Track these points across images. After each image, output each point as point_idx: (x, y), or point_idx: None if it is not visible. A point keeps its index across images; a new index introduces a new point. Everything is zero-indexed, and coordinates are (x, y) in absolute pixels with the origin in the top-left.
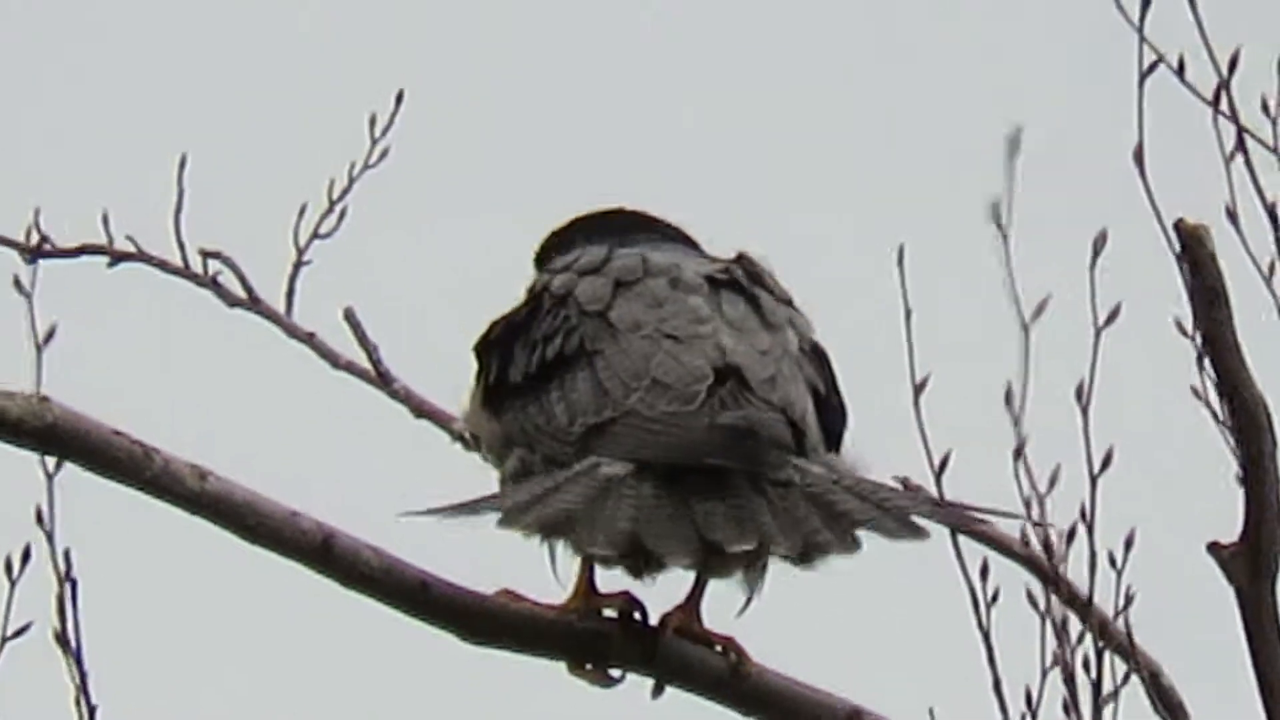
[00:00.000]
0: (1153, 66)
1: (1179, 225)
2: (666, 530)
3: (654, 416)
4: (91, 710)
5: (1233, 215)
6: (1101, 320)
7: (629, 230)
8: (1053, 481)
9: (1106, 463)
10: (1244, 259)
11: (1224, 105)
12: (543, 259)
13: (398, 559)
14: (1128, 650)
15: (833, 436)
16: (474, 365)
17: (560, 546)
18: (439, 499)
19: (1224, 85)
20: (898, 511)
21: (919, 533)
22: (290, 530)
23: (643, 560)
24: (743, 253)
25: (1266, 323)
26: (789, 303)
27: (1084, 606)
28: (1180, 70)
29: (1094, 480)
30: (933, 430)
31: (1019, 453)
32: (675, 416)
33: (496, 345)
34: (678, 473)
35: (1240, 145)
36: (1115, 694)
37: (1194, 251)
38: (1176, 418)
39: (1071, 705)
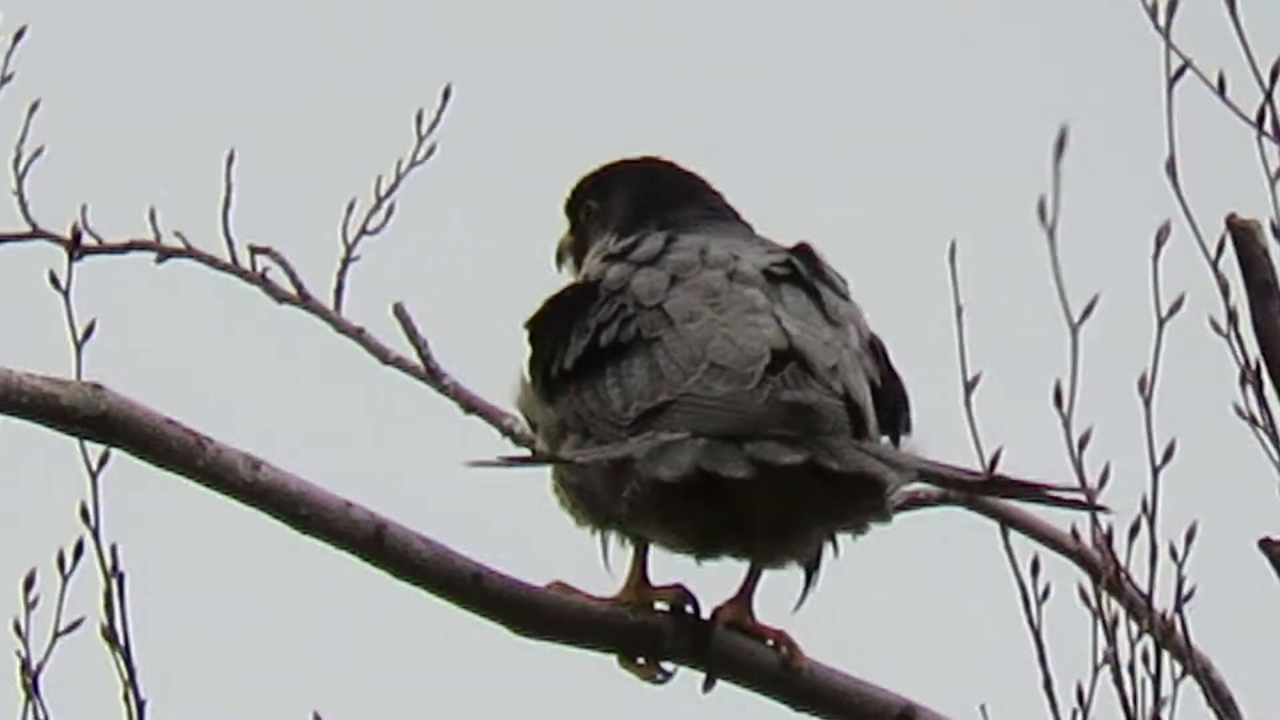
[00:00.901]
0: (1180, 72)
1: (1230, 220)
2: (722, 455)
3: (711, 397)
4: (140, 705)
5: (1277, 231)
6: (1165, 311)
7: (675, 199)
8: (1104, 479)
9: (1169, 455)
10: None
11: (1268, 124)
12: (575, 207)
13: (450, 550)
14: (1182, 647)
15: (892, 430)
16: (526, 345)
17: (613, 535)
18: (488, 494)
19: (1268, 100)
20: (951, 470)
21: (972, 484)
22: (343, 521)
23: (705, 529)
24: (803, 243)
25: None
26: (846, 296)
27: (1135, 602)
28: (1221, 87)
29: (1155, 472)
30: (984, 427)
31: (1083, 444)
32: (732, 395)
33: (550, 331)
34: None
35: None
36: (1174, 693)
37: (1245, 246)
38: (1226, 415)
39: (1122, 704)
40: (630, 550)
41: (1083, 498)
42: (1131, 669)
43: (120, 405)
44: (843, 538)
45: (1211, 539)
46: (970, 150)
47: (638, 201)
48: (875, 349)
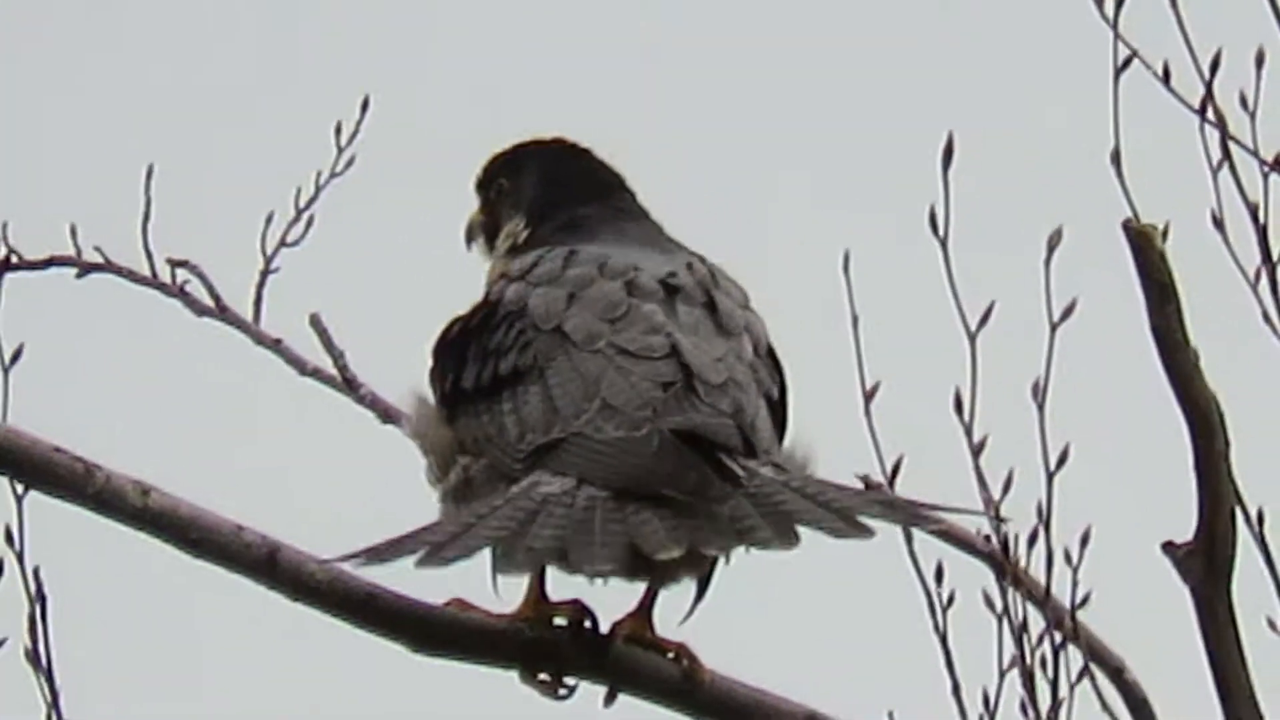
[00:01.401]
0: (1126, 63)
1: (1127, 226)
2: (591, 542)
3: (602, 440)
4: None
5: (1218, 222)
6: (1057, 317)
7: (585, 194)
8: (1007, 485)
9: (1063, 460)
10: (1230, 266)
11: (1210, 114)
12: (486, 185)
13: (344, 570)
14: (1090, 646)
15: (781, 436)
16: (429, 367)
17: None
18: (404, 504)
19: (1209, 92)
20: (844, 511)
21: (864, 531)
22: (235, 545)
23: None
24: (701, 256)
25: (1254, 328)
26: (745, 305)
27: (1041, 603)
28: (1166, 77)
29: (1050, 477)
30: (885, 435)
31: (978, 451)
32: (623, 442)
33: (453, 351)
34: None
35: (1226, 154)
36: (1071, 690)
37: (1143, 251)
38: (1137, 418)
39: (1030, 705)
40: None
41: (981, 520)
42: (1033, 677)
43: (5, 435)
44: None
45: (1127, 542)
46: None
47: (548, 187)
48: (772, 358)
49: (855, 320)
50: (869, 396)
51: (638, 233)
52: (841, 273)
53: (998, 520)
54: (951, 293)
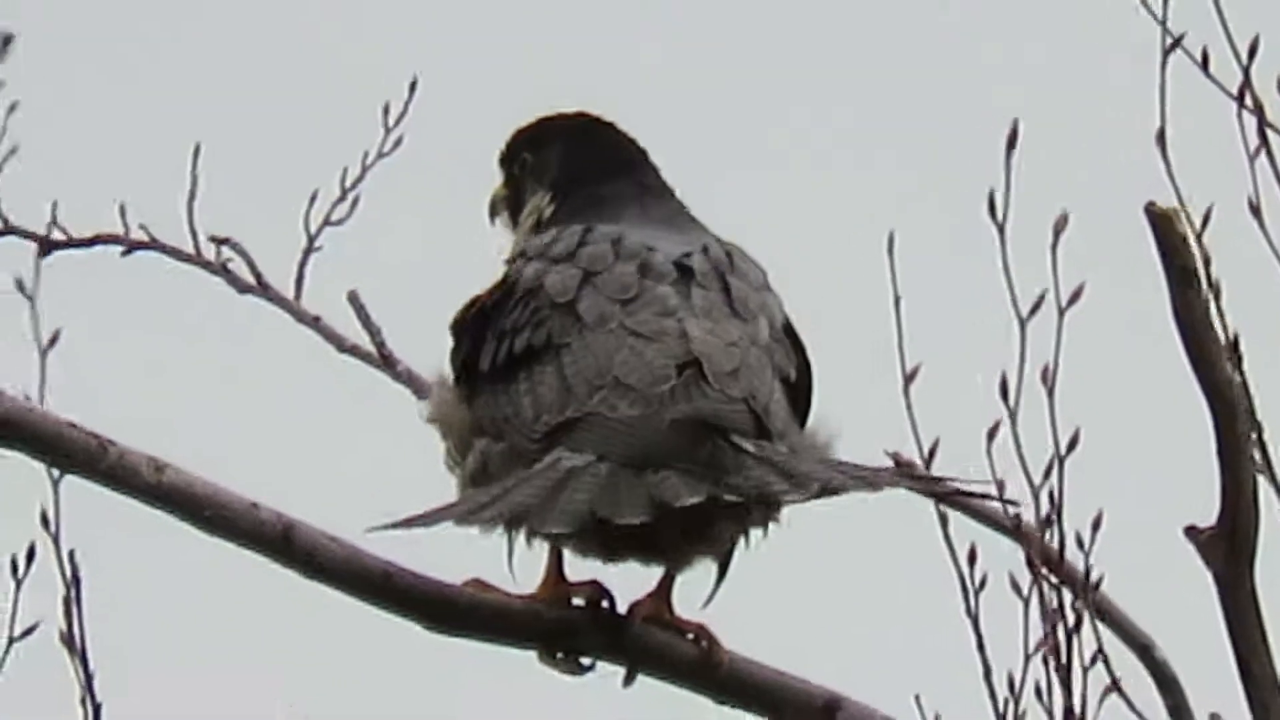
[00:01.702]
0: (1173, 46)
1: (1149, 209)
2: (618, 498)
3: (616, 418)
4: (97, 709)
5: (1255, 209)
6: (1065, 301)
7: (608, 171)
8: (1049, 471)
9: (1073, 445)
10: (1268, 254)
11: (1249, 100)
12: (509, 160)
13: (359, 549)
14: (1118, 624)
15: (803, 418)
16: (450, 346)
17: (522, 539)
18: (438, 480)
19: (1247, 78)
20: (856, 473)
21: (875, 485)
22: (249, 521)
23: (609, 543)
24: (718, 237)
25: None
26: (764, 285)
27: (1058, 586)
28: (1204, 63)
29: (1060, 461)
30: (924, 419)
31: (991, 435)
32: (637, 419)
33: (470, 332)
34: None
35: (1263, 140)
36: (1085, 671)
37: (1165, 234)
38: (1163, 402)
39: (1060, 685)
40: (546, 548)
41: (991, 491)
42: (1061, 659)
43: (18, 410)
44: (756, 532)
45: (1156, 526)
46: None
47: (572, 162)
48: (791, 338)
49: (898, 302)
50: (909, 379)
51: (659, 211)
52: (886, 254)
53: (1002, 501)
54: (1006, 278)
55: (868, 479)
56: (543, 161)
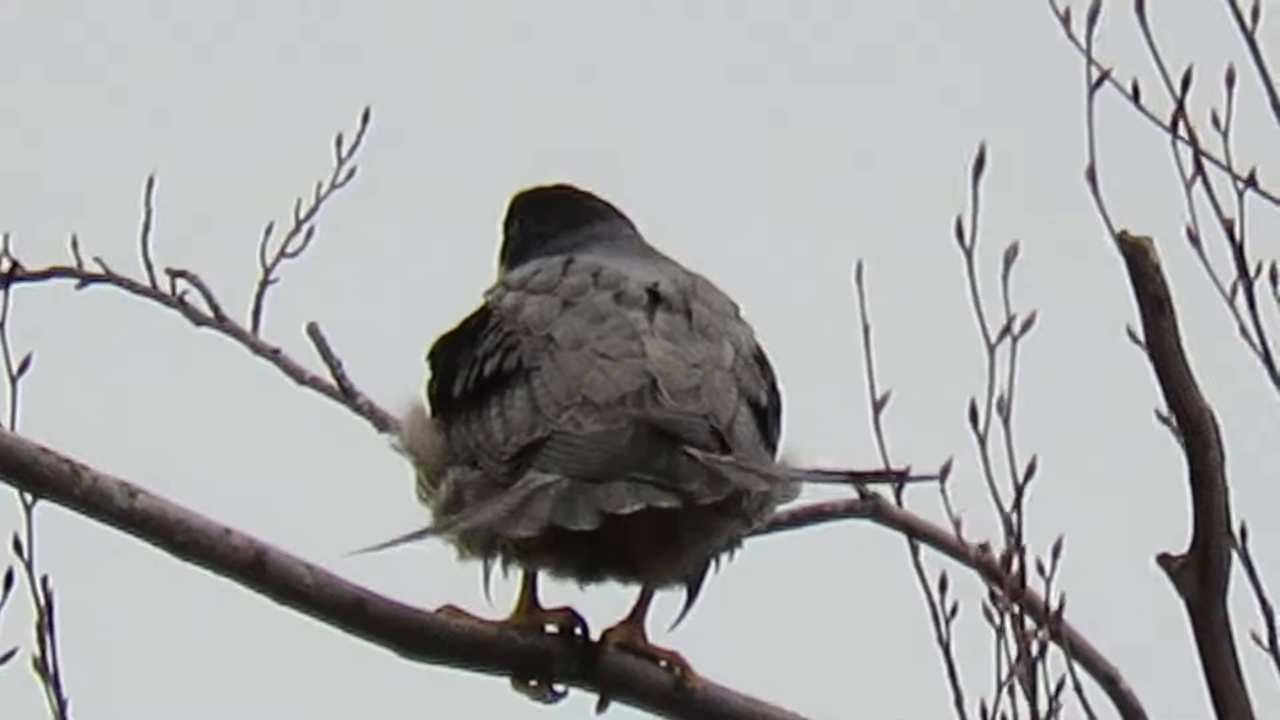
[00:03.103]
0: (1099, 82)
1: (1122, 238)
2: (573, 509)
3: (581, 435)
4: None
5: (1194, 237)
6: (1018, 329)
7: (580, 217)
8: (1018, 499)
9: (1030, 473)
10: (1207, 281)
11: (1181, 129)
12: (510, 223)
13: (333, 575)
14: (1083, 655)
15: (773, 446)
16: (426, 375)
17: (498, 565)
18: (402, 509)
19: (1180, 109)
20: (764, 471)
21: (780, 483)
22: (222, 547)
23: (584, 561)
24: (686, 271)
25: (1231, 343)
26: (733, 314)
27: (1020, 615)
28: (1135, 95)
29: (1019, 490)
30: (895, 446)
31: (945, 472)
32: (599, 435)
33: (445, 359)
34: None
35: (1199, 169)
36: (1053, 700)
37: (1138, 263)
38: (1136, 429)
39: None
40: (520, 574)
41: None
42: (1035, 688)
43: None
44: (723, 556)
45: (1128, 554)
46: (884, 165)
47: (544, 217)
48: (760, 364)
49: (866, 330)
50: (878, 406)
51: (628, 246)
52: (854, 282)
53: (896, 482)
54: (974, 303)
55: (772, 475)
56: (521, 226)
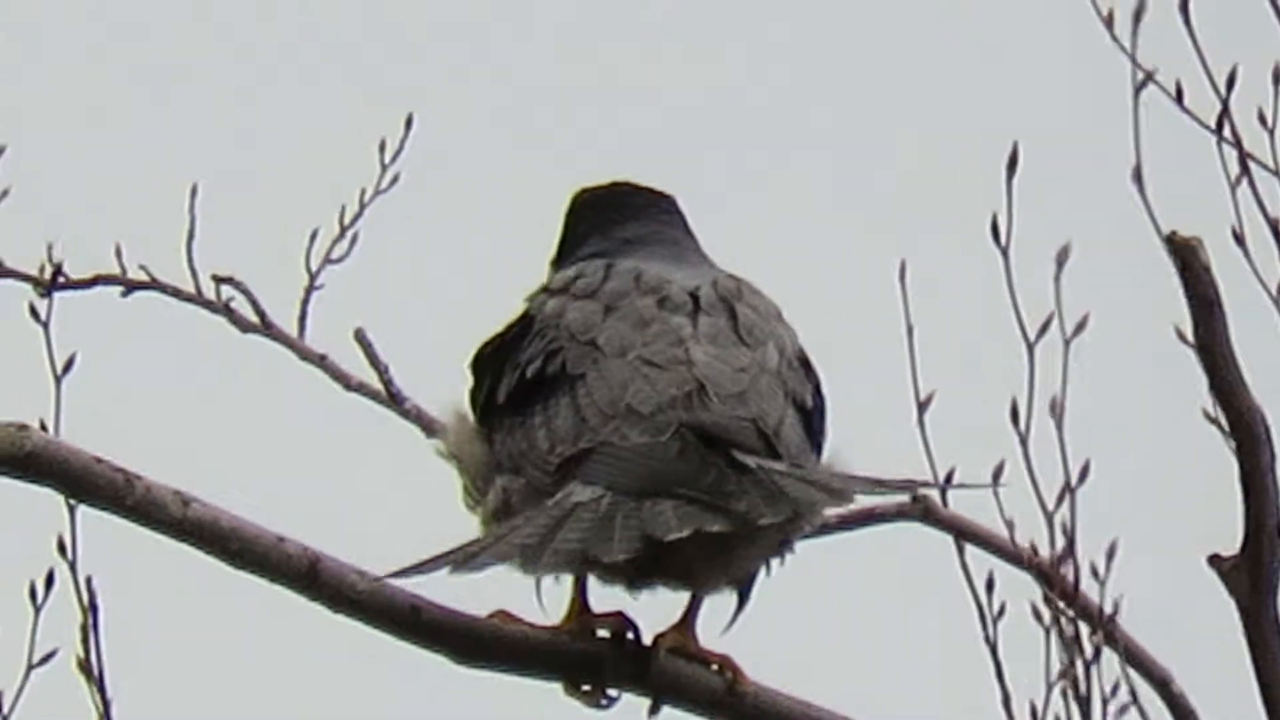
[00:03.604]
0: (1144, 83)
1: (1172, 238)
2: (610, 535)
3: (627, 446)
4: None
5: (1239, 238)
6: (1070, 332)
7: (626, 214)
8: (1061, 495)
9: (1084, 475)
10: (1251, 281)
11: (1226, 130)
12: (564, 223)
13: (386, 583)
14: (1136, 657)
15: (819, 447)
16: (468, 382)
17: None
18: (447, 517)
19: (1225, 109)
20: (827, 485)
21: (842, 497)
22: (276, 555)
23: (633, 568)
24: (729, 274)
25: (1278, 343)
26: (777, 317)
27: (1074, 618)
28: (1179, 96)
29: (1072, 491)
30: (940, 447)
31: (997, 474)
32: (646, 447)
33: (488, 366)
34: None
35: (1244, 170)
36: (1105, 702)
37: (1188, 264)
38: (1189, 430)
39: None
40: (570, 580)
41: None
42: (1082, 690)
43: (45, 445)
44: (774, 561)
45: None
46: (924, 166)
47: (590, 217)
48: (805, 367)
49: (910, 330)
50: (923, 406)
51: (671, 250)
52: (898, 282)
53: (942, 490)
54: (1012, 303)
55: (832, 488)
56: (565, 226)
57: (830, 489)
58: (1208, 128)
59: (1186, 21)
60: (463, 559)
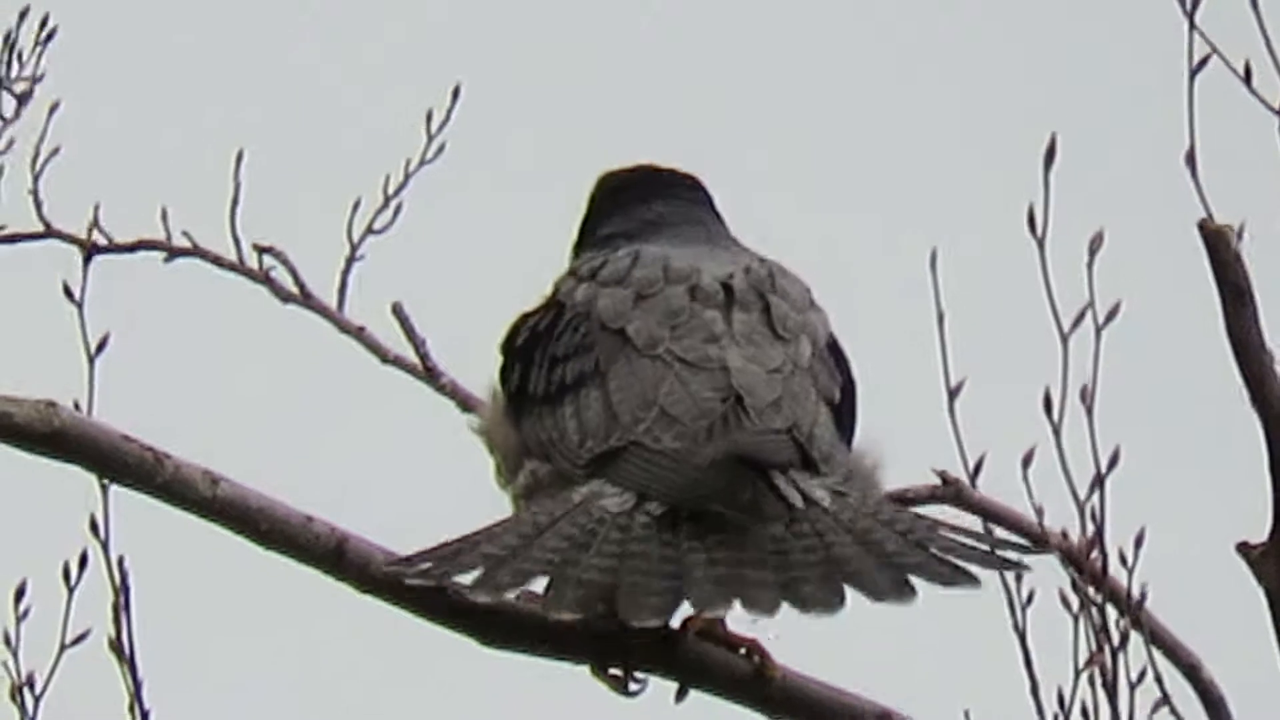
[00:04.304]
0: (1203, 63)
1: (1202, 226)
2: (646, 590)
3: (659, 450)
4: (145, 717)
5: None
6: (1101, 319)
7: (654, 192)
8: (1094, 485)
9: (1113, 463)
10: None
11: None
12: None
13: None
14: (1164, 643)
15: (848, 439)
16: (498, 365)
17: None
18: (481, 492)
19: None
20: (893, 563)
21: (909, 594)
22: (304, 536)
23: None
24: (761, 257)
25: None
26: (809, 303)
27: (1102, 605)
28: (1248, 76)
29: (1102, 480)
30: (970, 435)
31: (1027, 460)
32: (679, 454)
33: (519, 353)
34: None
35: None
36: (1133, 688)
37: (1218, 252)
38: (1215, 417)
39: (1109, 703)
40: None
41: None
42: (1109, 678)
43: (74, 422)
44: None
45: (1208, 542)
46: (969, 150)
47: (617, 197)
48: (835, 355)
49: (941, 318)
50: (953, 395)
51: (697, 233)
52: (929, 269)
53: (1041, 549)
54: (1047, 293)
55: (900, 578)
56: (591, 206)
57: (905, 563)
58: (1271, 109)
59: (1254, 3)
60: (484, 579)
